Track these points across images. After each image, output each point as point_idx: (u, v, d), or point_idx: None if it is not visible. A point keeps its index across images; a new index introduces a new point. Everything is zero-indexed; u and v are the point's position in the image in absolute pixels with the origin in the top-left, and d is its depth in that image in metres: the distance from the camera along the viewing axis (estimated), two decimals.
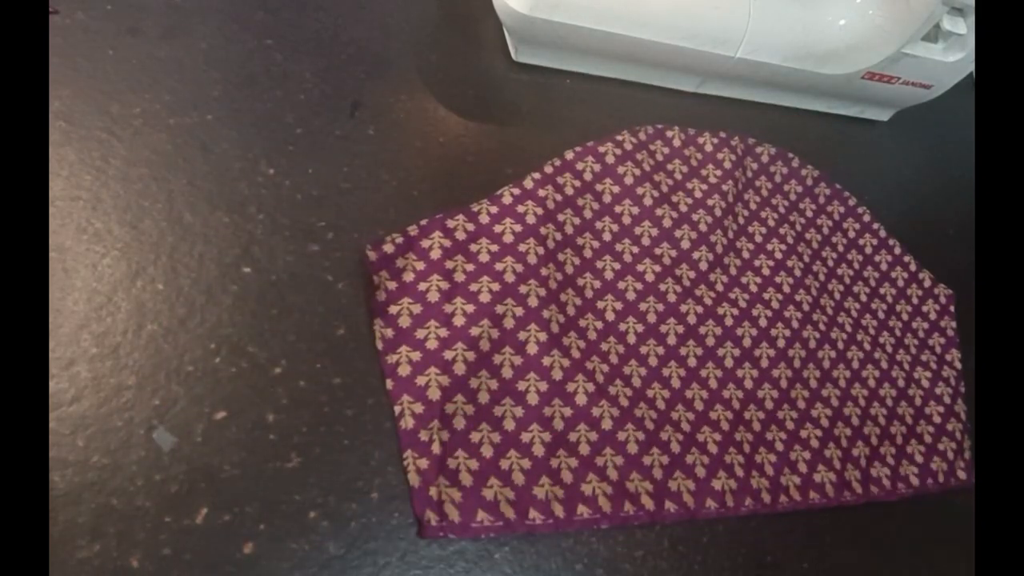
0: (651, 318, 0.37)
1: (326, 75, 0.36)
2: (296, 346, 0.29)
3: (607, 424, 0.33)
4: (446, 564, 0.28)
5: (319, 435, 0.28)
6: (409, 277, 0.32)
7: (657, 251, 0.38)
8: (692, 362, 0.37)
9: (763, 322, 0.39)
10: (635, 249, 0.38)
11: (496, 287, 0.33)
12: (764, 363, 0.38)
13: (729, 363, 0.37)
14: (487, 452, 0.30)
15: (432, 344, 0.31)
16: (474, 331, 0.32)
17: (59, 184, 0.29)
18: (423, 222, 0.33)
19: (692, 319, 0.38)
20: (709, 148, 0.43)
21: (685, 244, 0.39)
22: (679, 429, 0.34)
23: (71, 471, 0.25)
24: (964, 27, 0.40)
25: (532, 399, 0.32)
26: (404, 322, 0.31)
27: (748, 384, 0.37)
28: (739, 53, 0.40)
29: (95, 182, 0.29)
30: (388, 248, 0.32)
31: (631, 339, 0.36)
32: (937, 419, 0.42)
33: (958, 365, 0.44)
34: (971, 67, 0.45)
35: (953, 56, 0.43)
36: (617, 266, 0.37)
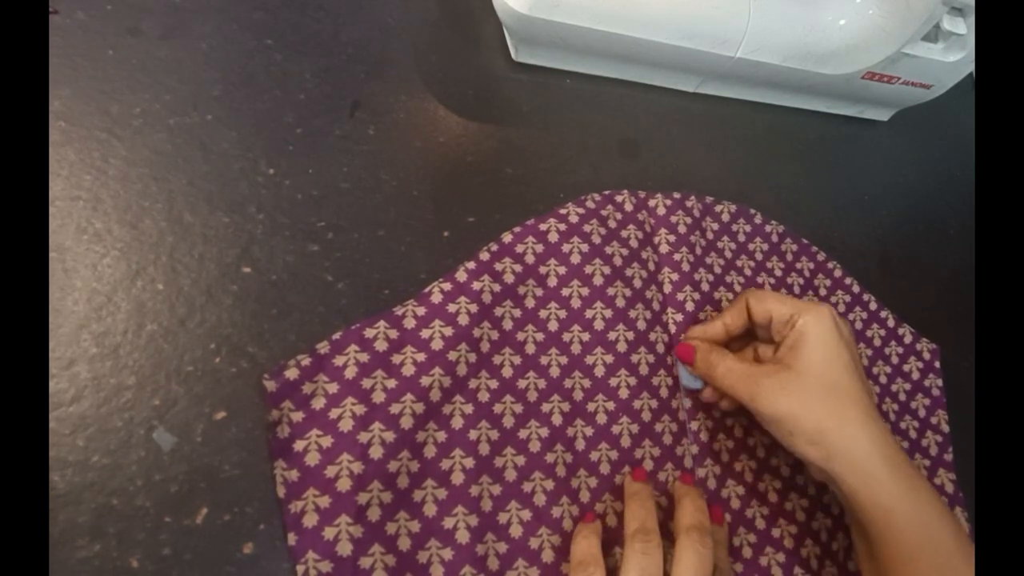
0: (601, 419, 0.32)
1: (326, 75, 0.36)
2: (296, 346, 0.29)
3: (548, 556, 0.29)
4: None
5: None
6: (319, 404, 0.28)
7: (611, 336, 0.34)
8: (649, 465, 0.32)
9: (718, 413, 0.35)
10: (585, 336, 0.34)
11: (420, 408, 0.29)
12: (725, 458, 0.34)
13: (688, 463, 0.34)
14: None
15: (344, 485, 0.26)
16: (392, 465, 0.27)
17: (59, 184, 0.29)
18: (336, 336, 0.29)
19: (647, 416, 0.33)
20: (661, 211, 0.38)
21: (641, 325, 0.35)
22: None
23: (71, 471, 0.25)
24: (964, 27, 0.40)
25: (462, 537, 0.28)
26: (312, 459, 0.27)
27: (711, 484, 0.33)
28: (739, 53, 0.40)
29: (95, 182, 0.29)
30: (291, 374, 0.27)
31: (580, 445, 0.31)
32: None
33: (945, 428, 0.41)
34: (971, 67, 0.45)
35: (953, 56, 0.43)
36: (564, 360, 0.33)
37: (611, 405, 0.33)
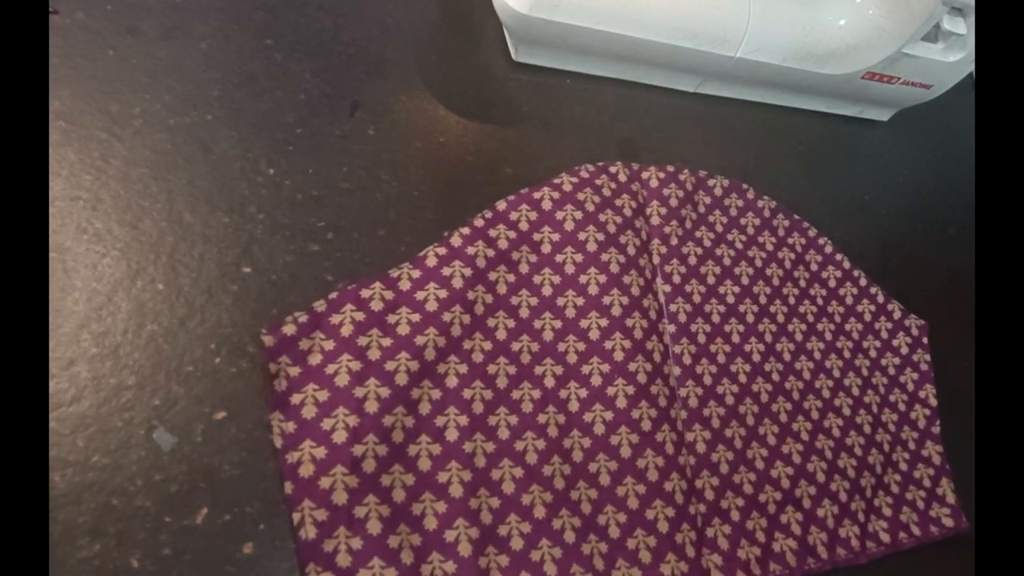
0: (596, 381, 0.33)
1: (326, 75, 0.36)
2: None
3: (539, 512, 0.29)
4: None
5: None
6: (316, 360, 0.28)
7: (606, 300, 0.34)
8: (646, 426, 0.33)
9: (708, 380, 0.36)
10: (579, 301, 0.34)
11: (415, 365, 0.29)
12: (716, 424, 0.35)
13: (680, 426, 0.34)
14: (407, 558, 0.26)
15: (340, 437, 0.27)
16: (387, 420, 0.28)
17: (59, 184, 0.29)
18: (333, 295, 0.30)
19: (642, 379, 0.33)
20: (654, 184, 0.39)
21: (635, 291, 0.35)
22: (624, 508, 0.31)
23: (71, 471, 0.25)
24: (964, 27, 0.40)
25: (455, 491, 0.28)
26: (308, 412, 0.27)
27: (701, 448, 0.34)
28: (739, 53, 0.40)
29: (95, 182, 0.29)
30: (289, 329, 0.28)
31: (573, 407, 0.32)
32: (904, 466, 0.39)
33: (933, 402, 0.42)
34: (971, 67, 0.45)
35: (953, 56, 0.43)
36: (558, 324, 0.33)
37: (606, 367, 0.33)
